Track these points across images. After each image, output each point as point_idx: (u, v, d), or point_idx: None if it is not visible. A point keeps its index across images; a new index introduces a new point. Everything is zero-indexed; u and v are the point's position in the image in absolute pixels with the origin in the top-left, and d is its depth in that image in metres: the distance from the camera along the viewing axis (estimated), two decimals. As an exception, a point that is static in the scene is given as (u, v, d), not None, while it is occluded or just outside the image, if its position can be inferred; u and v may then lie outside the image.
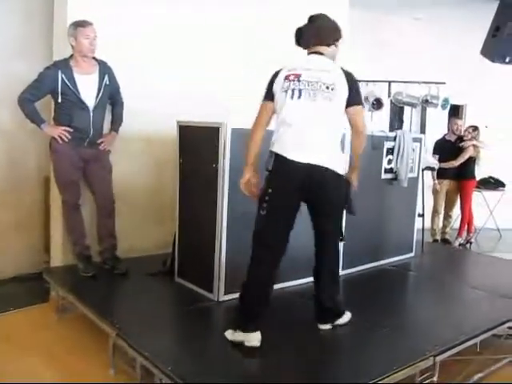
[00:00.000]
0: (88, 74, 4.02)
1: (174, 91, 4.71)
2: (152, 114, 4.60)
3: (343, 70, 3.11)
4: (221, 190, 3.58)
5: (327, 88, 3.05)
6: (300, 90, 3.08)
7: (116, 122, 4.33)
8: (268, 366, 2.84)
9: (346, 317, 3.41)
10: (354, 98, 3.09)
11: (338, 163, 3.13)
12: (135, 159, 4.74)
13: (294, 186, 3.08)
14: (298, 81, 3.09)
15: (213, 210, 3.63)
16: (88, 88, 4.01)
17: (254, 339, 3.01)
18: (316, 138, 3.08)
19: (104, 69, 4.11)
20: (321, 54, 3.17)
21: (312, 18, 3.24)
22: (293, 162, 3.03)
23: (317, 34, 3.21)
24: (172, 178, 4.12)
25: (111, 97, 4.23)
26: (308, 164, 3.03)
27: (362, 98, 3.26)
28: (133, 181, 4.73)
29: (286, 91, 3.10)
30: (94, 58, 4.07)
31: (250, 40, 5.26)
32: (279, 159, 3.07)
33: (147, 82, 4.63)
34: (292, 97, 3.08)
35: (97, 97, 4.04)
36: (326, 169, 3.05)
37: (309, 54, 3.22)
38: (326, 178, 3.07)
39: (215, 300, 3.69)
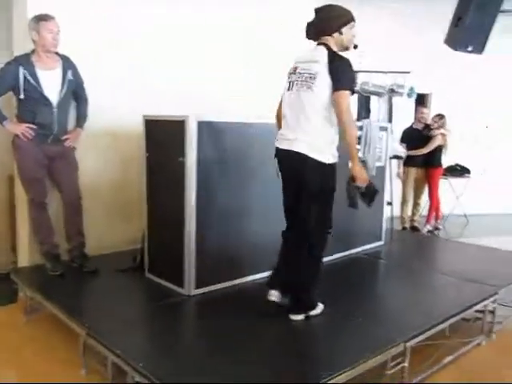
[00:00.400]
0: (51, 70, 3.95)
1: (140, 86, 4.71)
2: (119, 110, 4.58)
3: (330, 58, 3.15)
4: (188, 184, 3.56)
5: (310, 78, 3.18)
6: (292, 83, 3.27)
7: (80, 118, 4.25)
8: (240, 358, 2.83)
9: (319, 308, 3.44)
10: (335, 84, 3.12)
11: (321, 151, 3.18)
12: (101, 155, 4.68)
13: (284, 173, 3.34)
14: (295, 73, 3.27)
15: (181, 203, 3.61)
16: (51, 84, 3.93)
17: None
18: (298, 126, 3.21)
19: (67, 64, 4.04)
20: (324, 44, 3.25)
21: (315, 11, 3.33)
22: (280, 150, 3.31)
23: (316, 26, 3.31)
24: (139, 173, 4.08)
25: (75, 92, 4.16)
26: (289, 151, 3.23)
27: (349, 82, 3.22)
28: (100, 177, 4.68)
29: (286, 84, 3.33)
30: (56, 52, 3.99)
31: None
32: (276, 149, 3.35)
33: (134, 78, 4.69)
34: (288, 89, 3.30)
35: (60, 93, 3.97)
36: (305, 156, 3.17)
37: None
38: (305, 166, 3.19)
39: (186, 294, 3.68)
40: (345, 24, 3.27)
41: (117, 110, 4.58)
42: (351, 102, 3.19)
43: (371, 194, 3.32)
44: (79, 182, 4.23)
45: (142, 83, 4.71)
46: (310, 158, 3.16)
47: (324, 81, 3.13)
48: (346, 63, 3.19)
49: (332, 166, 3.24)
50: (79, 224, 4.25)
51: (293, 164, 3.24)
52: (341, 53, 3.27)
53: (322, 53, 3.19)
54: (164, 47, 4.90)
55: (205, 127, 3.57)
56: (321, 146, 3.19)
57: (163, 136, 3.80)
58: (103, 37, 4.51)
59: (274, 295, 3.41)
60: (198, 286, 3.69)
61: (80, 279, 4.05)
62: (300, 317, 3.35)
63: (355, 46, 3.36)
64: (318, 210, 3.28)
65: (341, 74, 3.15)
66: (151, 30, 4.80)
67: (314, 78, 3.15)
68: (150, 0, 4.81)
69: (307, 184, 3.22)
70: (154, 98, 4.60)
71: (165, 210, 3.86)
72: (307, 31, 3.35)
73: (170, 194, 3.76)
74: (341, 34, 3.27)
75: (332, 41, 3.26)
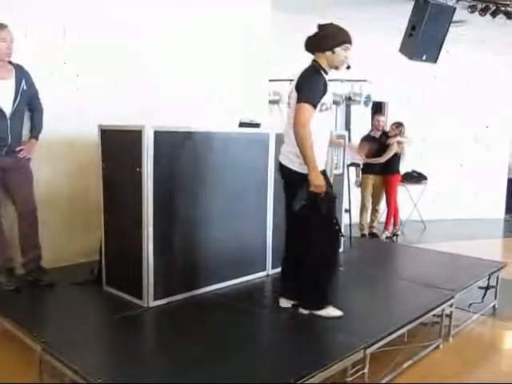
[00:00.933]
0: (4, 79, 3.86)
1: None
2: (75, 118, 4.52)
3: (300, 73, 3.38)
4: (146, 194, 3.51)
5: (290, 95, 3.44)
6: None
7: (35, 128, 4.16)
8: (199, 368, 2.79)
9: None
10: (298, 97, 3.30)
11: (294, 162, 3.42)
12: (58, 165, 4.60)
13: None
14: None
15: (138, 214, 3.56)
16: (4, 94, 3.85)
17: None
18: (284, 141, 3.55)
19: (21, 73, 3.96)
20: (314, 60, 3.43)
21: (318, 26, 3.44)
22: None
23: (313, 41, 3.44)
24: (97, 183, 4.02)
25: (29, 102, 4.08)
26: (279, 163, 3.57)
27: (309, 95, 3.30)
28: (56, 187, 4.60)
29: None
30: (9, 62, 3.91)
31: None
32: None
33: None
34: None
35: (14, 103, 3.88)
36: (282, 165, 3.52)
37: None
38: (284, 175, 3.56)
39: (145, 306, 3.62)
40: (339, 44, 3.37)
41: (73, 118, 4.50)
42: (316, 116, 3.31)
43: (328, 200, 3.38)
44: (35, 193, 4.13)
45: (100, 90, 4.66)
46: (286, 167, 3.48)
47: (294, 96, 3.33)
48: (311, 76, 3.35)
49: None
50: (35, 236, 4.14)
51: (280, 174, 3.62)
52: (333, 71, 3.50)
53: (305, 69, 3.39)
54: (123, 55, 4.85)
55: (162, 137, 3.54)
56: (294, 157, 3.39)
57: (120, 146, 3.75)
58: (59, 44, 4.46)
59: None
60: (156, 298, 3.65)
61: (36, 293, 3.94)
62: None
63: (348, 67, 3.48)
64: (290, 218, 3.55)
65: (303, 87, 3.31)
66: (110, 37, 4.76)
67: (290, 96, 3.43)
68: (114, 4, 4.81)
69: (287, 195, 3.57)
70: (112, 106, 4.56)
71: (122, 221, 3.80)
72: (306, 44, 3.47)
73: (127, 204, 3.71)
74: (333, 53, 3.38)
75: (324, 58, 3.40)
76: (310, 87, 3.30)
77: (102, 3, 4.73)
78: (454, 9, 6.31)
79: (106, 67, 4.77)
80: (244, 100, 5.60)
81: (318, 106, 3.33)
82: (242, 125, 4.49)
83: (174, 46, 5.21)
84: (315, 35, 3.44)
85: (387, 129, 7.63)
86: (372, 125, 7.66)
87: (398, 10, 6.50)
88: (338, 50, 3.38)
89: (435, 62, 6.64)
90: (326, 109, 3.42)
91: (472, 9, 6.58)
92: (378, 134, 7.48)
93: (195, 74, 5.30)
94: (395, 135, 7.35)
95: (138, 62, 4.96)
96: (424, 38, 6.27)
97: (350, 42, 3.42)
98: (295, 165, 3.40)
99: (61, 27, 4.49)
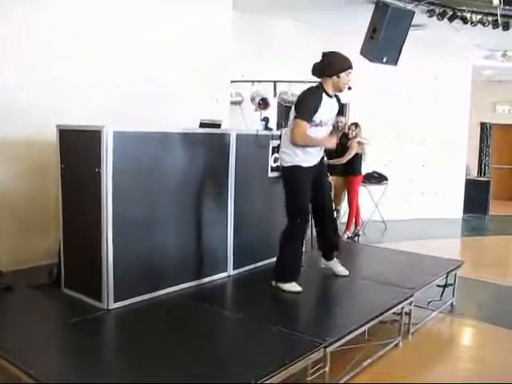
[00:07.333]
0: None
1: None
2: (32, 116, 4.43)
3: None
4: (105, 195, 3.46)
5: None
6: None
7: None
8: (160, 370, 2.77)
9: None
10: (294, 113, 3.89)
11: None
12: (14, 164, 4.49)
13: None
14: None
15: (97, 215, 3.51)
16: None
17: None
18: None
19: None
20: (320, 83, 3.99)
21: (322, 54, 3.99)
22: None
23: (321, 67, 3.97)
24: (56, 183, 3.94)
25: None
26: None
27: (302, 111, 3.85)
28: (13, 187, 4.48)
29: None
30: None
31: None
32: None
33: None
34: None
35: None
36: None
37: None
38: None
39: (105, 308, 3.57)
40: (344, 70, 3.92)
41: (30, 116, 4.41)
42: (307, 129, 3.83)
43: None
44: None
45: (59, 88, 4.57)
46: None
47: (293, 111, 3.93)
48: (307, 96, 3.92)
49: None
50: (-10, 239, 4.06)
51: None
52: (336, 93, 4.05)
53: None
54: (82, 49, 4.77)
55: (121, 137, 3.50)
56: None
57: (79, 146, 3.69)
58: (14, 37, 4.35)
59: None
60: (116, 300, 3.60)
61: (-8, 297, 3.86)
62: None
63: (349, 88, 4.02)
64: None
65: (298, 105, 3.91)
66: (66, 32, 4.67)
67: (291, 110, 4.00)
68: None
69: None
70: (72, 104, 4.50)
71: (81, 222, 3.74)
72: (313, 70, 4.00)
73: (86, 205, 3.65)
74: (338, 77, 3.92)
75: (330, 82, 3.94)
76: (303, 106, 3.86)
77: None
78: (413, 13, 6.41)
79: (67, 60, 4.69)
80: (206, 100, 5.59)
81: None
82: (202, 125, 4.47)
83: (136, 48, 5.14)
84: (321, 62, 3.95)
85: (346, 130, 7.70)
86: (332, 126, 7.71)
87: (357, 12, 6.59)
88: (342, 75, 3.92)
89: (396, 64, 6.73)
90: (316, 125, 3.91)
91: (430, 13, 6.69)
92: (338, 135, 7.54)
93: (158, 75, 5.25)
94: (355, 136, 7.43)
95: (101, 57, 4.89)
96: (385, 40, 6.35)
97: (352, 67, 3.95)
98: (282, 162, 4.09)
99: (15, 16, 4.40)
